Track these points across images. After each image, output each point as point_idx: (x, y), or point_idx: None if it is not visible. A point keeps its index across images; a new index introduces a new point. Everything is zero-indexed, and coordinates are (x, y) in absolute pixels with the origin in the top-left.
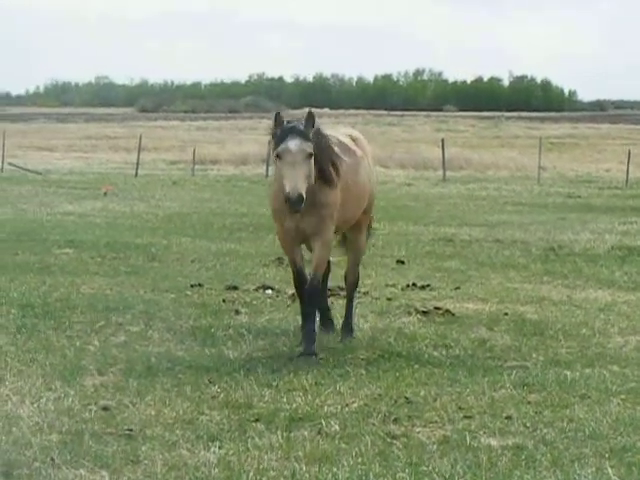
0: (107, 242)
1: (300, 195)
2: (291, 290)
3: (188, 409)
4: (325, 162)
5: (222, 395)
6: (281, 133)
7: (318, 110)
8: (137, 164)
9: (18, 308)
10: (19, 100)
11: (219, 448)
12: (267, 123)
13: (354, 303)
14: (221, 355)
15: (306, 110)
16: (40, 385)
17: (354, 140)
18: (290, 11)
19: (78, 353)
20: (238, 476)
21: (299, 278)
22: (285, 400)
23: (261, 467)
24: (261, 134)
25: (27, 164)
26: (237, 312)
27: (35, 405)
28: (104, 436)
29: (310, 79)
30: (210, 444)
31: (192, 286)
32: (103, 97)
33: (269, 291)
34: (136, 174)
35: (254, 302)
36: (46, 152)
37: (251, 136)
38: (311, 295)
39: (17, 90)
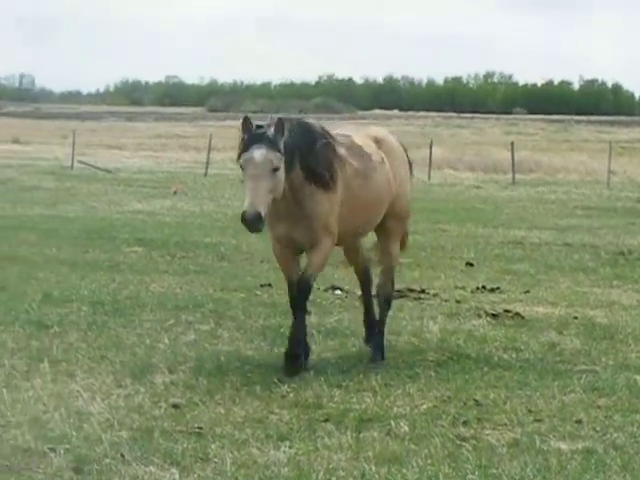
0: (176, 241)
1: (258, 214)
2: (360, 290)
3: (258, 408)
4: (318, 164)
5: (292, 395)
6: (247, 140)
7: (387, 112)
8: (207, 163)
9: (89, 305)
10: (90, 99)
11: (289, 447)
12: (338, 124)
13: (385, 322)
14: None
15: (376, 111)
16: (110, 382)
17: (378, 142)
18: (362, 14)
19: (148, 351)
20: (308, 476)
21: (293, 293)
22: (355, 400)
23: (330, 467)
24: None
25: (97, 162)
26: (306, 312)
27: (105, 402)
28: (174, 434)
29: (380, 80)
30: (280, 443)
31: (262, 286)
32: (173, 96)
33: (338, 292)
34: (206, 173)
35: (323, 302)
36: (116, 150)
37: None
38: (300, 290)
39: (88, 89)
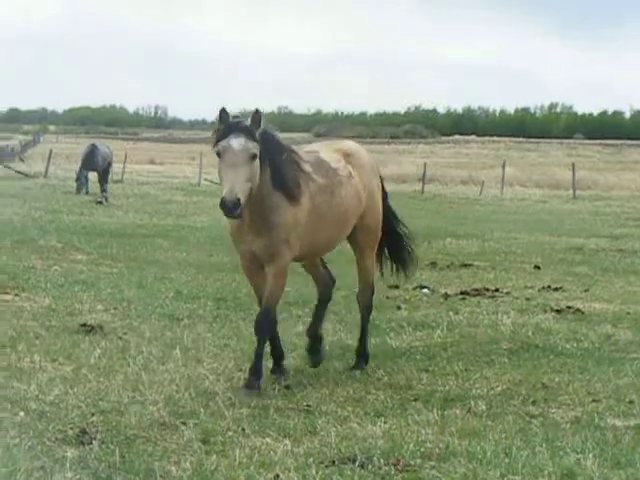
0: None
1: (237, 200)
2: (444, 289)
3: (357, 389)
4: (286, 173)
5: (386, 378)
6: (224, 129)
7: (466, 137)
8: None
9: (213, 301)
10: (214, 126)
11: (384, 423)
12: (423, 148)
13: (367, 329)
14: (385, 344)
15: (456, 137)
16: (232, 367)
17: (348, 155)
18: (441, 53)
19: None
20: (400, 447)
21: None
22: (440, 383)
23: (420, 440)
24: (418, 157)
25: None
26: (398, 307)
27: (228, 383)
28: (286, 410)
29: (460, 110)
30: (376, 419)
31: None
32: (284, 124)
33: (425, 290)
34: None
35: (412, 299)
36: None
37: (409, 158)
38: (260, 326)
39: (211, 117)
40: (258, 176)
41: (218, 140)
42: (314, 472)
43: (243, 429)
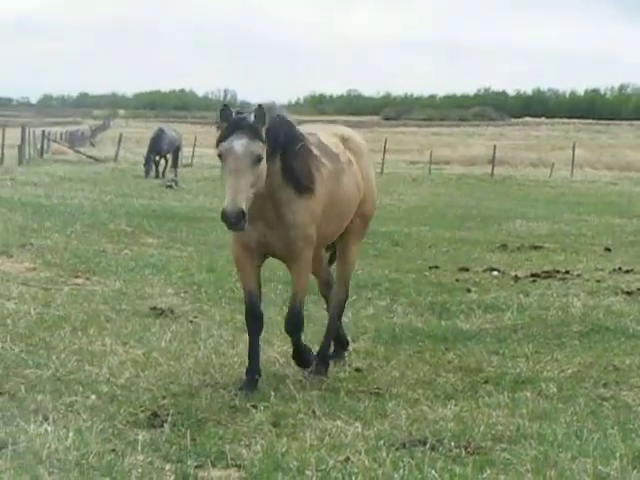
0: None
1: (239, 212)
2: (514, 271)
3: (427, 372)
4: (297, 166)
5: (456, 360)
6: (227, 128)
7: (536, 119)
8: (382, 164)
9: (283, 284)
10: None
11: (454, 405)
12: (492, 130)
13: (334, 327)
14: (455, 326)
15: (526, 119)
16: None
17: (344, 140)
18: (513, 37)
19: None
20: (471, 429)
21: (249, 306)
22: (510, 365)
23: (490, 422)
24: (487, 139)
25: None
26: (468, 290)
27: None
28: (357, 393)
29: (529, 92)
30: (447, 402)
31: (430, 268)
32: (353, 107)
33: (495, 272)
34: (381, 172)
35: (482, 282)
36: None
37: (479, 141)
38: (290, 325)
39: (281, 100)
40: (265, 177)
41: (220, 140)
42: (385, 455)
43: (314, 412)
